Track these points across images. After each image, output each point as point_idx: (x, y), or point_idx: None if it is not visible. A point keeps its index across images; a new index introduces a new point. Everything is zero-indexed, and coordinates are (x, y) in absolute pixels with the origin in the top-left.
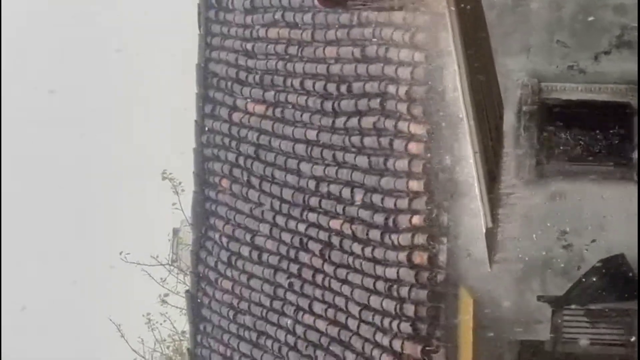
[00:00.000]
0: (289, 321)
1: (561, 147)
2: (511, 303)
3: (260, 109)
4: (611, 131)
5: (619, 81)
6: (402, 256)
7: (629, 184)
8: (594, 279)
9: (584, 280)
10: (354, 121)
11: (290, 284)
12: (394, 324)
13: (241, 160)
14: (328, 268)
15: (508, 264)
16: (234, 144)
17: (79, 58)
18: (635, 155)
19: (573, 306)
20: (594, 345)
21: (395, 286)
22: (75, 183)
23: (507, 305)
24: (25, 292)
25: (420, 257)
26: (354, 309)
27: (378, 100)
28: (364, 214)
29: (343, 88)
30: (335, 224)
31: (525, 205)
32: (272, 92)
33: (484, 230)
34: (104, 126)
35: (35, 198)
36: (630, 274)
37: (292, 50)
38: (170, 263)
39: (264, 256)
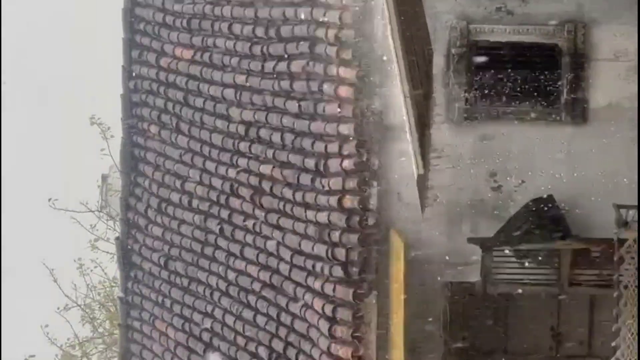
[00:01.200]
0: (220, 267)
1: (490, 89)
2: (442, 245)
3: (188, 53)
4: (539, 72)
5: (547, 22)
6: (333, 200)
7: (557, 125)
8: (523, 220)
9: (513, 221)
10: (283, 65)
11: (221, 230)
12: (326, 268)
13: (170, 106)
14: (259, 213)
15: (439, 207)
16: (162, 89)
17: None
18: (563, 97)
19: (503, 247)
20: (523, 285)
21: (326, 230)
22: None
23: (438, 247)
24: None
25: (351, 201)
26: (286, 254)
27: (307, 44)
28: (295, 159)
29: (272, 32)
30: (265, 169)
31: (455, 148)
32: (200, 37)
33: (415, 176)
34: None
35: None
36: (559, 214)
37: None
38: (99, 209)
39: (194, 202)
